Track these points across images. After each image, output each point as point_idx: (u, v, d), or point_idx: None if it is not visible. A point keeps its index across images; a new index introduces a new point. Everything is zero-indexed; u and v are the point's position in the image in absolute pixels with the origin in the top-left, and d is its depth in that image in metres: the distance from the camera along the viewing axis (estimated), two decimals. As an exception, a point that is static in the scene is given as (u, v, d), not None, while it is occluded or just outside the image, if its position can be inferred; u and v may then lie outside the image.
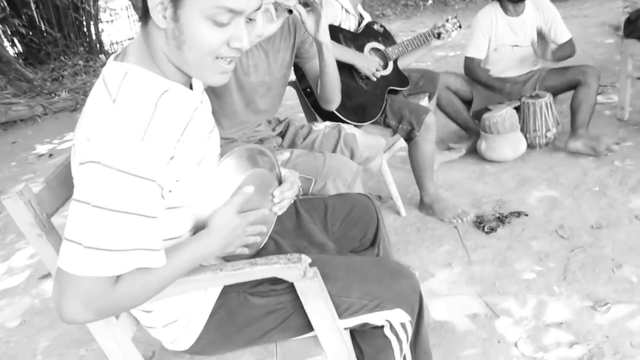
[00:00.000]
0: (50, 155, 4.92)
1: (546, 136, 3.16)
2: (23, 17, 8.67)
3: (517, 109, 3.25)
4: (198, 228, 1.16)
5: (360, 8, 2.72)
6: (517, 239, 2.41)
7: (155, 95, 1.03)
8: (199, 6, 0.97)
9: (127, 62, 1.06)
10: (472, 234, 2.50)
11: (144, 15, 1.03)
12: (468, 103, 3.35)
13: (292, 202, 1.40)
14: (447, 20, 2.84)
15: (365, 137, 2.17)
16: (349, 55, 2.40)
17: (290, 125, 2.22)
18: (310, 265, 1.18)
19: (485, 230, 2.49)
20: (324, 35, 1.82)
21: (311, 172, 1.93)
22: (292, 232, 1.51)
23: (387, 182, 2.71)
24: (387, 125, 2.55)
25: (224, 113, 1.99)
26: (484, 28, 3.21)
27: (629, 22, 3.31)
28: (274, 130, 2.17)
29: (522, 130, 3.17)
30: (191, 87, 1.18)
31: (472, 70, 3.24)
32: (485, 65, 3.31)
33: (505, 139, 3.07)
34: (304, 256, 1.15)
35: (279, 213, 1.34)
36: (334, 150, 2.10)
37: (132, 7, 6.11)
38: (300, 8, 1.75)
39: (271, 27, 1.72)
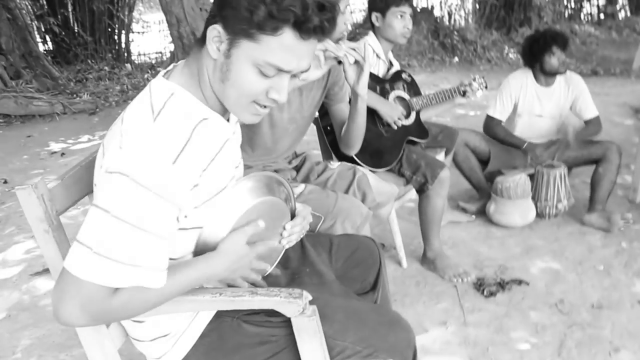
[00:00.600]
0: (63, 154, 4.96)
1: (557, 207, 3.15)
2: (59, 16, 8.88)
3: (531, 176, 3.26)
4: (199, 247, 1.16)
5: (391, 55, 2.76)
6: (515, 307, 2.38)
7: (194, 121, 1.06)
8: (252, 54, 1.02)
9: (175, 82, 1.10)
10: (471, 295, 2.47)
11: (202, 40, 1.08)
12: (484, 163, 3.36)
13: (301, 237, 1.39)
14: (474, 79, 2.87)
15: (378, 182, 2.17)
16: (373, 100, 2.42)
17: (306, 160, 2.22)
18: (311, 302, 1.17)
19: (485, 293, 2.46)
20: (363, 88, 1.86)
21: (321, 209, 1.92)
22: (295, 260, 1.50)
23: (393, 231, 2.70)
24: (401, 174, 2.55)
25: (250, 143, 1.99)
26: (514, 91, 3.24)
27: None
28: (290, 163, 2.17)
29: (533, 198, 3.17)
30: (227, 118, 1.22)
31: (491, 129, 3.26)
32: (512, 130, 3.33)
33: (516, 204, 3.07)
34: (305, 293, 1.13)
35: (287, 247, 1.33)
36: (346, 191, 2.10)
37: (165, 22, 6.24)
38: (346, 59, 1.78)
39: (316, 73, 1.75)
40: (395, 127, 2.51)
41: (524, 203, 3.08)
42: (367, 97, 2.37)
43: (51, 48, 9.23)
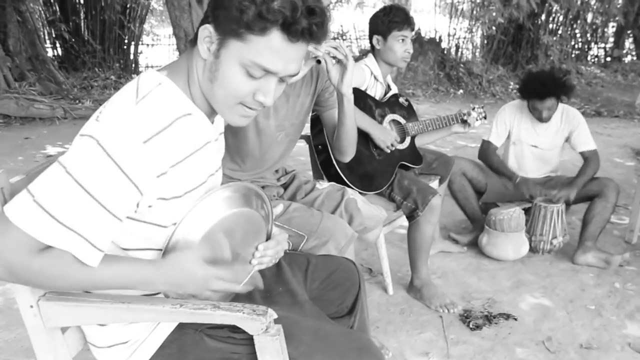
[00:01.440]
0: (58, 158, 4.91)
1: (551, 243, 3.09)
2: (70, 23, 8.94)
3: (527, 210, 3.21)
4: (168, 249, 1.11)
5: (389, 79, 2.73)
6: (501, 341, 2.30)
7: (177, 113, 1.06)
8: (239, 54, 1.02)
9: (165, 75, 1.10)
10: (457, 327, 2.40)
11: (195, 40, 1.08)
12: (480, 194, 3.32)
13: (274, 262, 1.34)
14: (474, 109, 2.85)
15: (367, 206, 2.12)
16: (366, 122, 2.38)
17: (295, 178, 2.18)
18: (276, 321, 1.11)
19: (471, 326, 2.39)
20: (347, 88, 1.83)
21: (305, 228, 1.88)
22: (268, 278, 1.44)
23: (380, 256, 2.64)
24: (391, 199, 2.50)
25: (237, 152, 1.96)
26: (508, 119, 3.24)
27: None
28: (278, 180, 2.13)
29: (527, 231, 3.11)
30: (212, 121, 1.20)
31: (487, 154, 3.24)
32: (506, 159, 3.31)
33: (509, 238, 3.01)
34: (270, 310, 1.08)
35: (256, 268, 1.28)
36: (333, 212, 2.05)
37: (174, 36, 6.27)
38: (328, 58, 1.77)
39: (297, 75, 1.71)
40: (389, 151, 2.47)
41: (518, 237, 3.02)
42: (360, 120, 2.36)
43: (60, 54, 9.27)
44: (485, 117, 2.89)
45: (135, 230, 1.10)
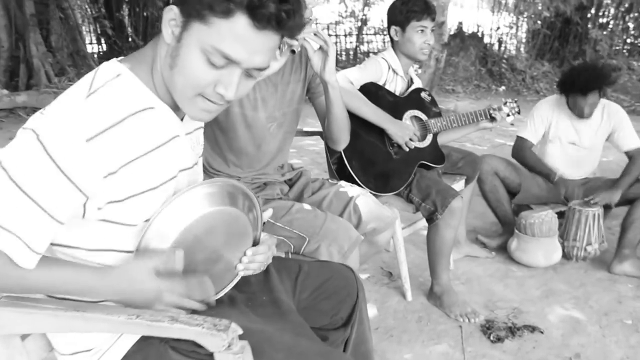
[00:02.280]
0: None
1: (585, 249, 2.88)
2: (114, 20, 9.09)
3: (562, 214, 3.01)
4: (141, 247, 1.03)
5: (412, 72, 2.59)
6: (524, 356, 2.14)
7: (133, 108, 0.98)
8: (200, 38, 0.94)
9: (126, 65, 1.02)
10: (476, 339, 2.24)
11: (160, 24, 1.00)
12: (513, 195, 3.13)
13: (262, 269, 1.24)
14: (505, 103, 2.67)
15: (377, 207, 1.99)
16: (381, 118, 2.25)
17: (302, 176, 2.08)
18: (245, 336, 1.00)
19: (492, 338, 2.23)
20: (330, 74, 1.75)
21: (307, 230, 1.77)
22: (253, 284, 1.35)
23: (399, 260, 2.51)
24: (409, 200, 2.36)
25: (230, 149, 1.88)
26: (544, 115, 3.05)
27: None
28: (283, 175, 2.03)
29: (561, 236, 2.91)
30: (182, 117, 1.12)
31: (521, 151, 3.05)
32: (542, 157, 3.11)
33: (540, 243, 2.82)
34: (234, 325, 0.97)
35: (241, 274, 1.19)
36: (341, 214, 1.94)
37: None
38: (308, 45, 1.69)
39: (273, 66, 1.66)
40: (407, 149, 2.33)
41: (549, 242, 2.83)
42: (375, 115, 2.24)
43: (104, 49, 9.45)
44: (519, 112, 2.71)
45: (96, 230, 1.01)
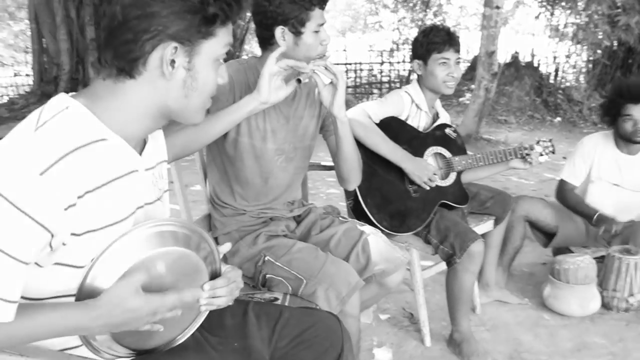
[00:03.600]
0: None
1: (627, 301, 2.67)
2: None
3: (602, 258, 2.81)
4: (83, 293, 0.98)
5: (438, 106, 2.49)
6: (545, 418, 1.97)
7: (84, 139, 0.96)
8: (212, 51, 1.03)
9: (78, 100, 0.99)
10: (494, 393, 2.10)
11: (129, 69, 0.99)
12: (550, 237, 2.96)
13: (230, 303, 1.18)
14: (538, 142, 2.53)
15: (387, 248, 1.90)
16: (398, 155, 2.17)
17: (311, 212, 2.02)
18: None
19: (511, 394, 2.08)
20: (339, 109, 1.69)
21: (305, 272, 1.71)
22: (228, 328, 1.29)
23: (417, 303, 2.39)
24: (427, 241, 2.25)
25: (237, 180, 1.86)
26: (586, 154, 2.87)
27: None
28: (291, 211, 1.98)
29: (600, 285, 2.71)
30: (140, 152, 1.10)
31: (563, 195, 2.89)
32: (584, 197, 2.93)
33: (575, 291, 2.63)
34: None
35: (203, 309, 1.13)
36: (349, 253, 1.86)
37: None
38: (318, 78, 1.65)
39: (278, 94, 1.61)
40: (426, 188, 2.23)
41: (586, 290, 2.64)
42: (392, 152, 2.17)
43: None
44: (553, 152, 2.56)
45: (47, 275, 0.98)
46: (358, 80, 11.53)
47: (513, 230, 2.84)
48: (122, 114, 1.02)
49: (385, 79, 11.31)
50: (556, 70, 9.15)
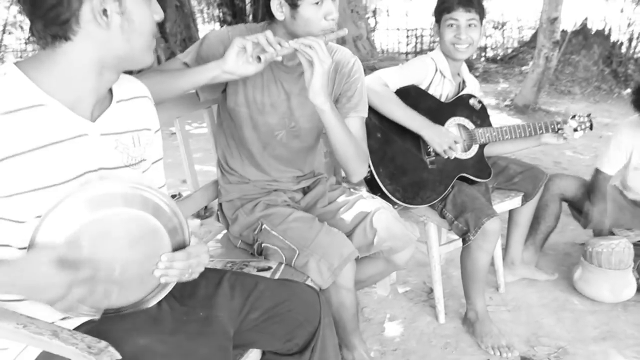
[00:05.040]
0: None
1: (666, 290, 2.49)
2: (234, 6, 9.41)
3: (641, 244, 2.62)
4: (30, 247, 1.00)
5: (465, 72, 2.34)
6: (554, 406, 1.88)
7: (15, 104, 0.97)
8: None
9: (20, 67, 1.01)
10: (503, 376, 2.02)
11: (63, 32, 0.99)
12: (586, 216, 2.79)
13: (192, 277, 1.17)
14: (573, 117, 2.37)
15: (396, 224, 1.81)
16: (417, 122, 2.07)
17: (319, 184, 1.97)
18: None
19: (520, 378, 1.99)
20: (314, 96, 1.56)
21: (299, 242, 1.68)
22: (198, 298, 1.28)
23: (433, 279, 2.32)
24: (442, 216, 2.16)
25: (242, 145, 1.84)
26: (624, 141, 2.64)
27: None
28: (299, 183, 1.93)
29: (638, 272, 2.54)
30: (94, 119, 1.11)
31: (596, 185, 2.66)
32: (624, 184, 2.73)
33: (607, 275, 2.47)
34: (111, 350, 0.91)
35: (162, 281, 1.12)
36: (355, 227, 1.79)
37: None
38: (302, 57, 1.53)
39: (248, 68, 1.52)
40: (445, 157, 2.13)
41: (620, 275, 2.47)
42: (410, 119, 2.07)
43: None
44: (590, 128, 2.40)
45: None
46: (419, 46, 11.20)
47: (547, 209, 2.69)
48: (65, 78, 1.03)
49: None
50: (630, 39, 8.52)
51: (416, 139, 2.12)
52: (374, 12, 11.10)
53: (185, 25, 8.14)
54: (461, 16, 2.10)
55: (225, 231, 1.99)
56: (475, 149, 2.24)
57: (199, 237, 1.24)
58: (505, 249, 2.68)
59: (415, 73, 2.17)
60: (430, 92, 2.22)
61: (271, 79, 1.74)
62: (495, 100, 7.17)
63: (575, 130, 2.36)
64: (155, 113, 1.29)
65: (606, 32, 8.27)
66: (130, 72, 1.41)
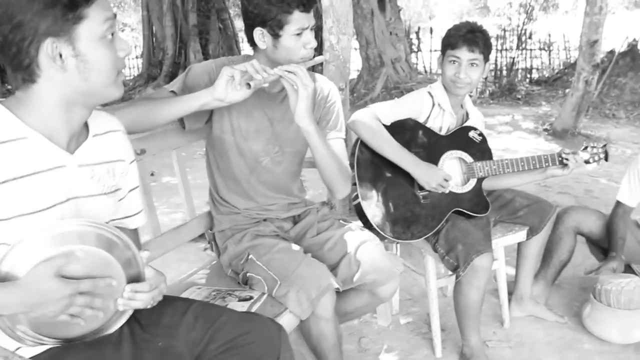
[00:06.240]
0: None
1: (680, 333, 2.37)
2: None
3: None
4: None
5: (468, 104, 2.33)
6: None
7: (3, 136, 1.08)
8: (94, 29, 1.09)
9: (4, 104, 1.12)
10: (493, 417, 1.98)
11: (29, 76, 1.10)
12: (604, 251, 2.70)
13: (149, 306, 1.23)
14: (585, 148, 2.32)
15: (380, 258, 1.84)
16: (405, 159, 2.08)
17: (309, 214, 2.01)
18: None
19: (509, 420, 1.95)
20: (299, 118, 1.65)
21: (281, 273, 1.72)
22: (161, 326, 1.34)
23: (430, 312, 2.31)
24: (435, 250, 2.15)
25: (227, 174, 1.91)
26: None
27: None
28: (289, 211, 1.98)
29: (652, 311, 2.44)
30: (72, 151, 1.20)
31: (612, 218, 2.58)
32: None
33: (616, 316, 2.38)
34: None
35: (120, 309, 1.19)
36: (341, 259, 1.83)
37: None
38: (286, 83, 1.62)
39: (235, 95, 1.60)
40: (439, 192, 2.13)
41: (630, 316, 2.38)
42: (399, 157, 2.09)
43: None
44: (606, 159, 2.34)
45: None
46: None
47: (560, 242, 2.62)
48: (42, 114, 1.13)
49: (491, 67, 10.79)
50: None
51: (408, 174, 2.13)
52: (417, 33, 11.07)
53: (228, 47, 8.38)
54: (464, 55, 2.11)
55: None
56: (473, 182, 2.22)
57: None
58: (515, 283, 2.62)
59: (410, 107, 2.18)
60: (428, 125, 2.22)
61: (254, 105, 1.82)
62: (534, 124, 7.02)
63: (587, 162, 2.31)
64: (129, 145, 1.38)
65: (656, 54, 7.99)
66: (122, 100, 1.54)
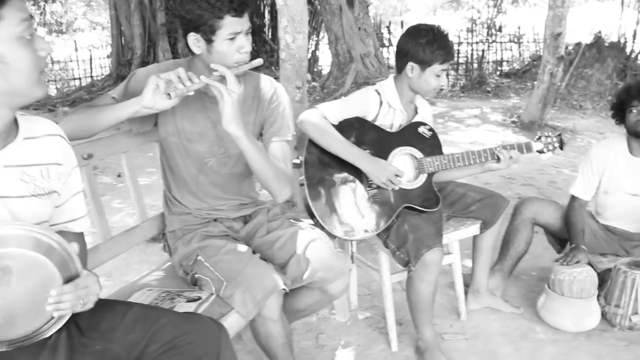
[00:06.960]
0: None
1: (630, 319, 2.43)
2: (252, 23, 9.61)
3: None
4: None
5: (419, 100, 2.36)
6: None
7: None
8: (9, 30, 1.10)
9: None
10: (445, 409, 2.01)
11: None
12: (562, 242, 2.76)
13: (87, 307, 1.23)
14: (539, 138, 2.37)
15: (329, 255, 1.85)
16: (354, 155, 2.10)
17: (259, 214, 2.01)
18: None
19: (460, 411, 1.98)
20: (227, 124, 1.66)
21: (227, 274, 1.73)
22: (100, 330, 1.34)
23: (385, 307, 2.33)
24: (386, 246, 2.17)
25: (177, 175, 1.92)
26: (596, 165, 2.61)
27: None
28: (239, 211, 1.99)
29: (605, 299, 2.49)
30: None
31: (569, 211, 2.63)
32: (596, 209, 2.70)
33: (569, 304, 2.43)
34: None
35: (55, 315, 1.18)
36: (290, 258, 1.84)
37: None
38: (215, 90, 1.62)
39: (165, 103, 1.61)
40: (389, 188, 2.15)
41: (582, 305, 2.43)
42: (348, 153, 2.10)
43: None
44: (561, 147, 2.38)
45: None
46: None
47: (518, 234, 2.67)
48: None
49: (462, 60, 10.86)
50: (645, 51, 8.34)
51: (358, 171, 2.14)
52: (388, 27, 11.10)
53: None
54: (447, 67, 2.19)
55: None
56: (423, 178, 2.24)
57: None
58: (471, 276, 2.66)
59: (357, 106, 2.20)
60: (378, 123, 2.24)
61: (198, 108, 1.83)
62: (503, 116, 7.10)
63: (541, 152, 2.35)
64: (70, 151, 1.38)
65: (621, 45, 8.11)
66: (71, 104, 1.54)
